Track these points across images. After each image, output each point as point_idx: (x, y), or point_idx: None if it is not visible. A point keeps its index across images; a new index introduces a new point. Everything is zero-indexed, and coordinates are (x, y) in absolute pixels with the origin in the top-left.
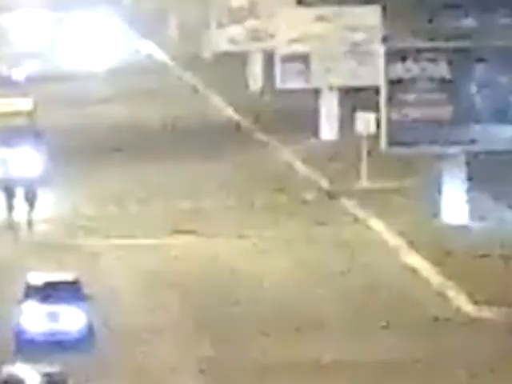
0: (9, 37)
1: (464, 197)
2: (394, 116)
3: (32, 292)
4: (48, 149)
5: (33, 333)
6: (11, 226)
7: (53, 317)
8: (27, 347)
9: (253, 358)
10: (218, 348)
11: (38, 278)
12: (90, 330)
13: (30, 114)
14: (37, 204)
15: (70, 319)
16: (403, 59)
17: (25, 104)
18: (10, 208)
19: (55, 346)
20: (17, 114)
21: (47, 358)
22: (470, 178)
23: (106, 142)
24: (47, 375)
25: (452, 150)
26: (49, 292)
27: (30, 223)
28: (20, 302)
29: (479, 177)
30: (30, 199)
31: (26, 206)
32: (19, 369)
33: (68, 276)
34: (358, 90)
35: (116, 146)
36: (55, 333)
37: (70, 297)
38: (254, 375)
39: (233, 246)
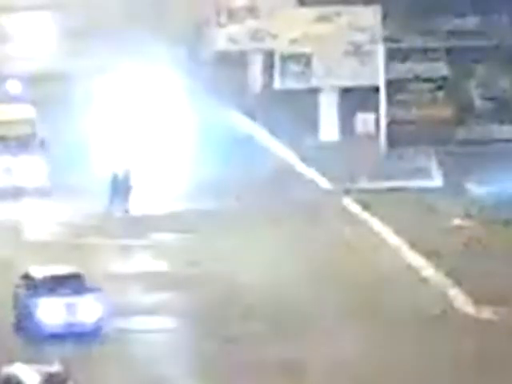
0: (11, 39)
1: (463, 196)
2: (394, 116)
3: (41, 285)
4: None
5: (51, 325)
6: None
7: (70, 309)
8: (45, 340)
9: (253, 358)
10: (217, 348)
11: (42, 271)
12: (103, 321)
13: (32, 121)
14: (131, 196)
15: (87, 310)
16: (403, 59)
17: (27, 111)
18: (112, 200)
19: (73, 337)
20: (19, 121)
21: (64, 350)
22: (468, 178)
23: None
24: (47, 375)
25: (451, 149)
26: (60, 285)
27: (126, 211)
28: (30, 295)
29: (477, 176)
30: (125, 190)
31: (121, 196)
32: (19, 369)
33: (68, 269)
34: (357, 89)
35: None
36: (73, 324)
37: (83, 288)
38: (254, 375)
39: (233, 245)
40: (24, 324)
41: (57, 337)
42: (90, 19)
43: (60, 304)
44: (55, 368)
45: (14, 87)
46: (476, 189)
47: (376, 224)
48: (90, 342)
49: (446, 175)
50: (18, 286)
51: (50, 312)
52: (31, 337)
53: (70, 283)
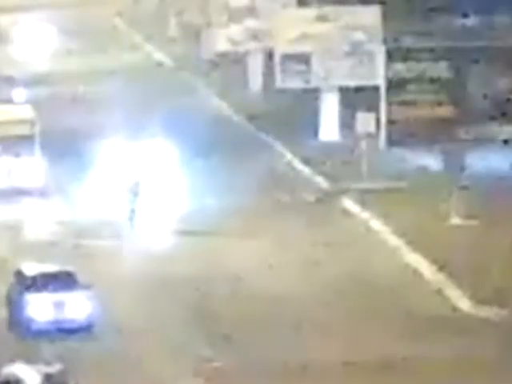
0: (13, 41)
1: (462, 195)
2: (394, 116)
3: (31, 282)
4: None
5: (40, 322)
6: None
7: (59, 305)
8: (35, 337)
9: (252, 358)
10: (216, 348)
11: (33, 269)
12: (94, 318)
13: (32, 122)
14: (139, 197)
15: (77, 307)
16: (403, 59)
17: (26, 112)
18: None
19: (62, 334)
20: (19, 122)
21: (55, 347)
22: (468, 178)
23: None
24: (47, 375)
25: (451, 149)
26: (50, 281)
27: (132, 215)
28: (20, 291)
29: (477, 176)
30: (134, 191)
31: (130, 198)
32: (19, 369)
33: (60, 266)
34: (358, 89)
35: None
36: (62, 321)
37: (73, 285)
38: (253, 375)
39: (233, 246)
40: (16, 321)
41: (46, 333)
42: (88, 20)
43: (49, 301)
44: (55, 368)
45: (14, 88)
46: (476, 188)
47: (375, 224)
48: (80, 339)
49: (445, 175)
50: (11, 284)
51: (39, 308)
52: (22, 334)
53: (60, 280)
